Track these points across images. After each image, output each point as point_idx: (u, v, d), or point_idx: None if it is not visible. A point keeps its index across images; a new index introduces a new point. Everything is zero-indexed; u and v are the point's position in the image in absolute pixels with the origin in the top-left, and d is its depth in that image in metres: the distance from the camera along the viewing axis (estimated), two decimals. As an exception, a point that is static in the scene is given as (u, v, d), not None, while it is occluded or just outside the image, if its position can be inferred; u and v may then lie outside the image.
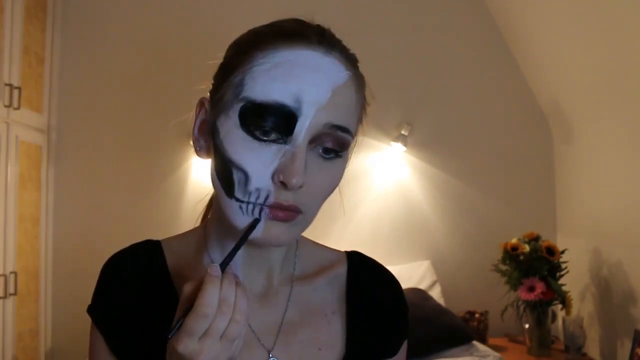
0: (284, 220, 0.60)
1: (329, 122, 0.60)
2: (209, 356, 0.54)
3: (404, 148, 2.84)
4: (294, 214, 0.61)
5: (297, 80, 0.59)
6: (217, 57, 0.69)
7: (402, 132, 2.82)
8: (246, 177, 0.60)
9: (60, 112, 2.76)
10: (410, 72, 2.92)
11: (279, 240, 0.62)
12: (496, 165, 2.93)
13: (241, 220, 0.61)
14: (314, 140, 0.60)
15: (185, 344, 0.53)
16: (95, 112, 2.81)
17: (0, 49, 2.22)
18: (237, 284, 0.57)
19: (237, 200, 0.61)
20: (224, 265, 0.58)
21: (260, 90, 0.59)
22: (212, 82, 0.68)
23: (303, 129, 0.59)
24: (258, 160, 0.59)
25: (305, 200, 0.61)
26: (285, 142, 0.60)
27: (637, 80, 2.06)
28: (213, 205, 0.71)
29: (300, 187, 0.59)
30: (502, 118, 2.95)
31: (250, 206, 0.60)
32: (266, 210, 0.60)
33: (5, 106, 2.24)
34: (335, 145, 0.62)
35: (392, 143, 2.84)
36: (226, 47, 0.69)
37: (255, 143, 0.60)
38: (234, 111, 0.61)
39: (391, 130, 2.86)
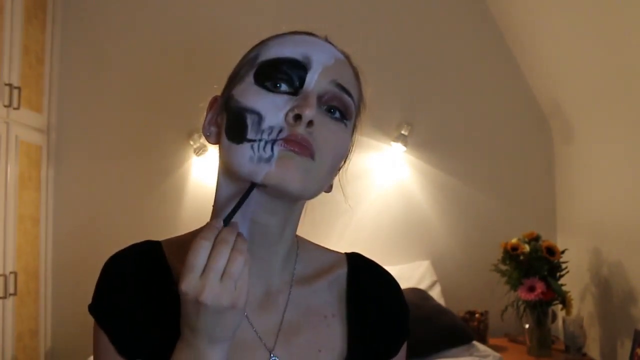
0: (299, 153, 0.61)
1: (335, 80, 0.65)
2: (210, 294, 0.55)
3: (404, 148, 2.84)
4: (307, 151, 0.61)
5: (306, 46, 0.66)
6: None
7: (402, 132, 2.82)
8: (260, 117, 0.62)
9: (60, 112, 2.76)
10: (410, 72, 2.91)
11: (293, 177, 0.61)
12: (496, 165, 2.93)
13: (249, 165, 0.61)
14: (321, 99, 0.64)
15: (187, 282, 0.56)
16: (95, 112, 2.81)
17: (0, 49, 2.22)
18: (239, 234, 0.59)
19: (249, 140, 0.62)
20: (225, 222, 0.60)
21: (273, 52, 0.66)
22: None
23: (312, 81, 0.64)
24: (272, 104, 0.62)
25: (316, 146, 0.62)
26: (295, 95, 0.63)
27: (637, 80, 2.06)
28: (214, 205, 0.70)
29: (312, 123, 0.61)
30: (502, 118, 2.95)
31: (262, 143, 0.61)
32: (280, 143, 0.61)
33: (5, 106, 2.24)
34: (340, 105, 0.65)
35: (392, 143, 2.84)
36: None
37: (270, 94, 0.63)
38: (249, 76, 0.65)
39: (391, 130, 2.86)
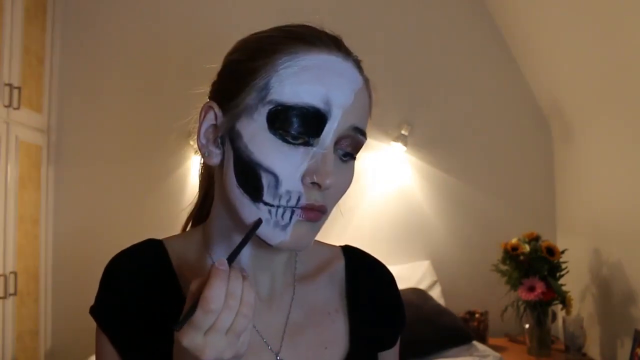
0: (314, 220, 0.61)
1: (353, 124, 0.62)
2: (213, 351, 0.53)
3: (404, 148, 2.84)
4: (320, 215, 0.62)
5: (326, 83, 0.60)
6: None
7: (402, 132, 2.82)
8: (276, 180, 0.59)
9: (60, 112, 2.77)
10: (410, 72, 2.91)
11: (305, 241, 0.62)
12: (496, 165, 2.93)
13: (265, 228, 0.60)
14: (337, 142, 0.62)
15: (190, 338, 0.53)
16: (95, 112, 2.81)
17: (0, 49, 2.22)
18: (244, 277, 0.55)
19: (266, 204, 0.60)
20: (230, 261, 0.56)
21: (290, 92, 0.59)
22: (217, 86, 0.67)
23: (331, 131, 0.60)
24: (288, 162, 0.59)
25: (328, 201, 0.63)
26: (312, 145, 0.60)
27: (637, 80, 2.06)
28: (213, 208, 0.70)
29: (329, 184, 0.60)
30: (502, 118, 2.95)
31: (281, 210, 0.60)
32: (298, 212, 0.60)
33: (5, 106, 2.24)
34: (353, 149, 0.64)
35: (392, 143, 2.84)
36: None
37: (285, 146, 0.60)
38: (260, 114, 0.60)
39: (391, 130, 2.85)
